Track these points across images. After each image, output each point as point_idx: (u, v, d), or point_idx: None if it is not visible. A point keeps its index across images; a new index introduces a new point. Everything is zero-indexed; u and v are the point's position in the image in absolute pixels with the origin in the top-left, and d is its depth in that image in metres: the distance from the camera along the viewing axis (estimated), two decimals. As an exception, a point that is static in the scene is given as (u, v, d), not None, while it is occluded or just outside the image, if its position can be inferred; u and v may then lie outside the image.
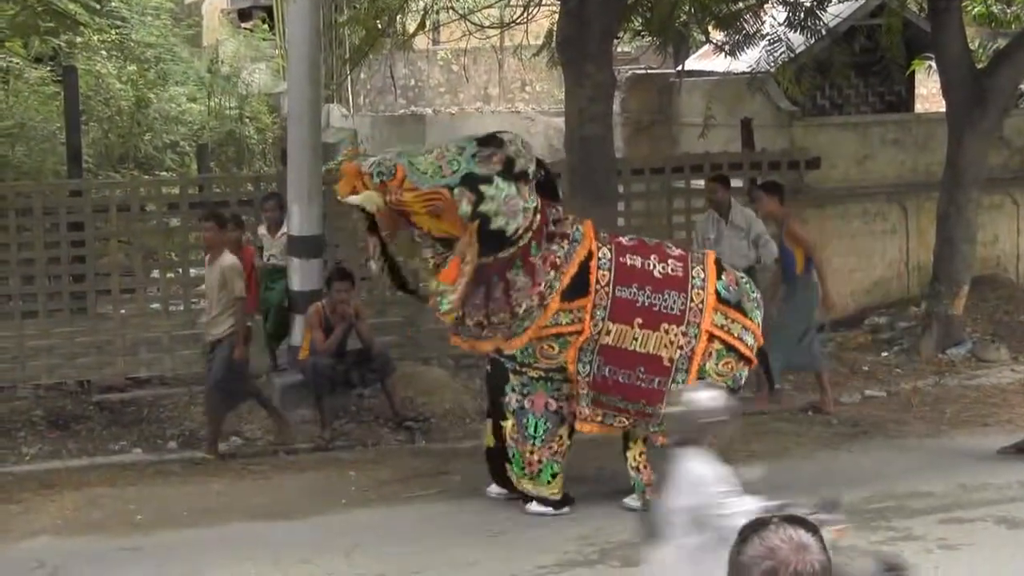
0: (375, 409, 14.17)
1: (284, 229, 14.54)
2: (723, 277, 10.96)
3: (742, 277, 11.33)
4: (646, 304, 10.70)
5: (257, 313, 14.93)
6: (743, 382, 11.22)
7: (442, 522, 10.97)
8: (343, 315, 13.50)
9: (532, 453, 10.87)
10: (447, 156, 10.46)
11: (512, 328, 10.63)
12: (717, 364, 10.79)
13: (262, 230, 14.88)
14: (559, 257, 10.63)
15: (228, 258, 13.02)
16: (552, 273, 10.58)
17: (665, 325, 10.68)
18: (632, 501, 10.99)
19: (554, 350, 10.70)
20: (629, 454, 11.04)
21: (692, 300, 10.73)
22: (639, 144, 20.85)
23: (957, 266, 16.15)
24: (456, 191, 10.31)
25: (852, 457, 12.61)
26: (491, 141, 10.61)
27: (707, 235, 14.36)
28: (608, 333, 10.63)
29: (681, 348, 10.68)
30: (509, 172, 10.44)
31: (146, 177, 22.57)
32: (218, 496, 11.93)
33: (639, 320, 10.66)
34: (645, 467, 10.89)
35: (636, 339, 10.66)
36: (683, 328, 10.68)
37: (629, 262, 10.80)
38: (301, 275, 14.26)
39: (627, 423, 10.86)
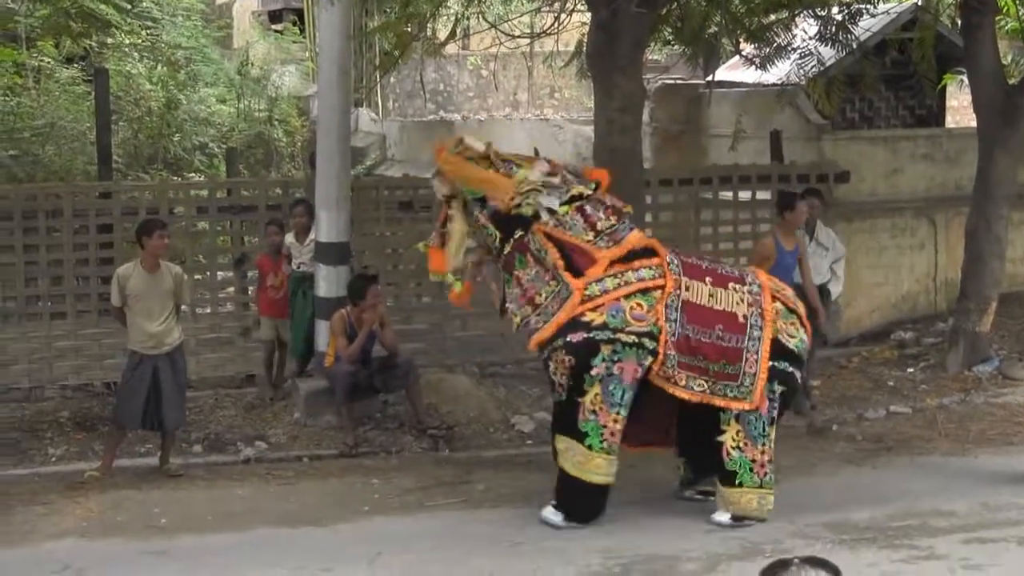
0: (399, 416, 14.18)
1: (312, 235, 14.56)
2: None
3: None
4: (707, 267, 11.20)
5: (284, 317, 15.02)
6: (806, 355, 11.40)
7: (464, 532, 10.97)
8: (367, 322, 13.52)
9: (616, 423, 10.79)
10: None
11: (544, 316, 10.90)
12: (785, 322, 11.04)
13: (290, 238, 14.88)
14: (599, 220, 11.10)
15: (175, 267, 12.98)
16: (591, 234, 11.03)
17: (731, 283, 11.04)
18: (720, 516, 10.99)
19: (643, 308, 10.77)
20: (725, 437, 10.94)
21: (742, 271, 11.37)
22: (668, 154, 20.84)
23: (985, 282, 16.10)
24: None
25: (876, 474, 12.59)
26: None
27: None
28: (687, 288, 10.87)
29: (751, 305, 10.93)
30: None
31: (175, 179, 22.71)
32: (242, 501, 11.96)
33: (709, 278, 11.01)
34: (746, 444, 10.90)
35: (712, 295, 10.92)
36: (747, 287, 11.04)
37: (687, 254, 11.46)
38: (328, 282, 14.29)
39: (706, 387, 10.82)
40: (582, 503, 11.02)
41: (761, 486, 10.94)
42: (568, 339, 10.80)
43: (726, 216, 17.00)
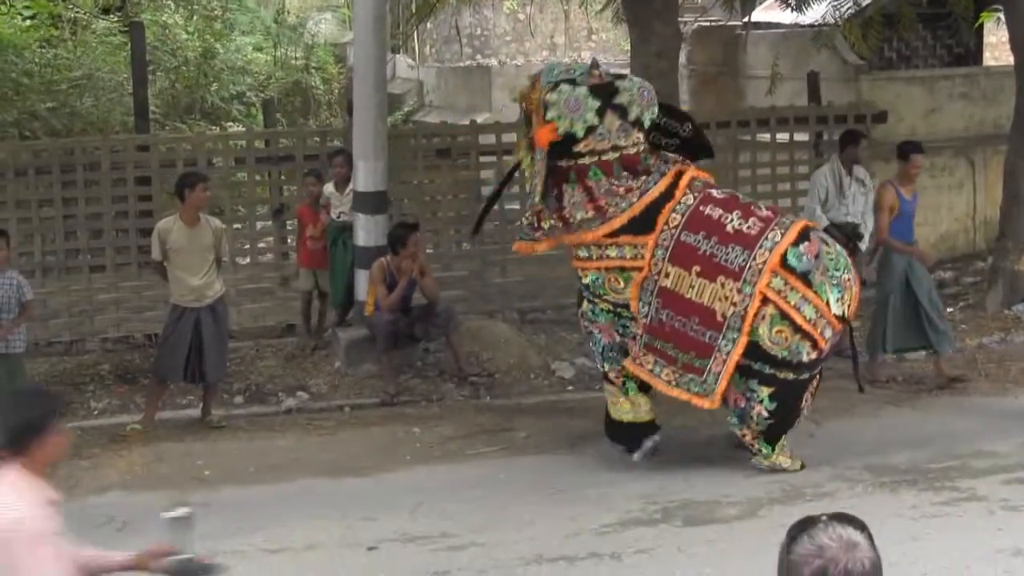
0: (439, 364, 14.22)
1: (352, 185, 14.58)
2: (800, 246, 10.55)
3: (829, 253, 10.73)
4: (707, 253, 10.62)
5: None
6: (805, 358, 10.58)
7: (505, 479, 11.05)
8: (406, 271, 13.53)
9: (609, 372, 11.06)
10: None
11: (568, 230, 11.01)
12: (770, 330, 10.45)
13: (329, 187, 14.89)
14: (624, 187, 10.83)
15: (215, 220, 13.04)
16: (618, 199, 10.80)
17: (722, 278, 10.54)
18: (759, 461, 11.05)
19: (620, 284, 10.82)
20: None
21: (755, 259, 10.49)
22: (705, 96, 20.78)
23: (1024, 221, 16.00)
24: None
25: (916, 415, 12.57)
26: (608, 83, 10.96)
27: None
28: (667, 275, 10.66)
29: (735, 305, 10.49)
30: (601, 92, 10.77)
31: (213, 129, 22.76)
32: (284, 452, 12.04)
33: (697, 268, 10.60)
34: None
35: (693, 286, 10.60)
36: (739, 285, 10.49)
37: (706, 212, 10.77)
38: (367, 231, 14.30)
39: (672, 377, 10.73)
40: (622, 435, 11.24)
41: (762, 454, 10.95)
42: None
43: (764, 158, 16.95)
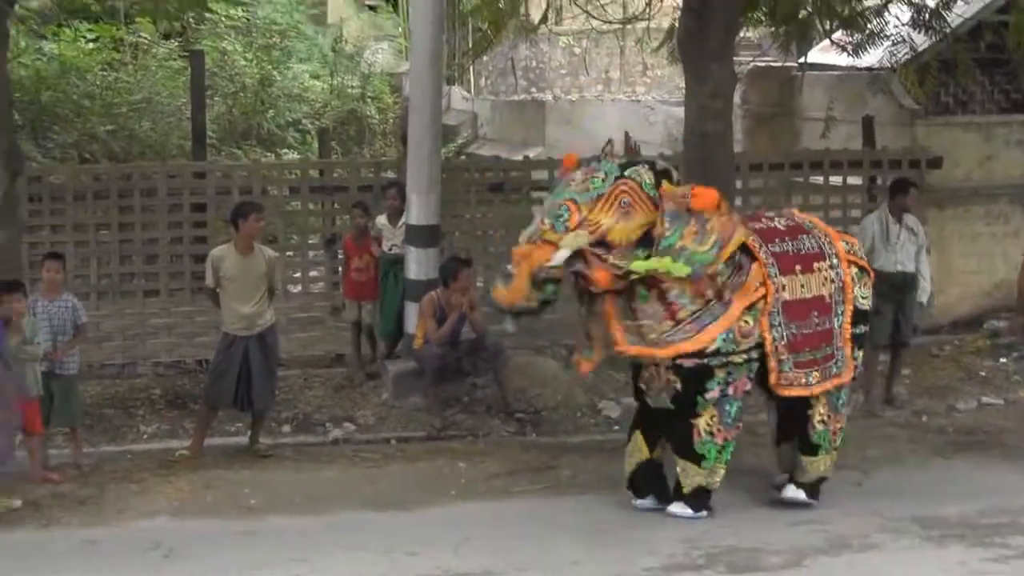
0: (487, 399, 14.23)
1: (404, 218, 14.64)
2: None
3: None
4: (794, 251, 10.99)
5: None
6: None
7: (548, 518, 11.00)
8: (456, 305, 13.57)
9: (731, 438, 10.89)
10: (596, 171, 10.42)
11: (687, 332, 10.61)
12: (862, 288, 11.22)
13: (382, 219, 14.96)
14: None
15: (268, 250, 13.08)
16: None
17: (816, 264, 11.01)
18: (793, 492, 11.16)
19: (749, 324, 10.72)
20: (812, 412, 11.05)
21: (820, 239, 11.16)
22: (759, 137, 20.74)
23: (1080, 272, 15.86)
24: (629, 170, 10.42)
25: (967, 468, 12.42)
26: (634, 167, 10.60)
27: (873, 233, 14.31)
28: (784, 288, 10.83)
29: (834, 282, 11.02)
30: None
31: (268, 156, 22.91)
32: (330, 483, 12.07)
33: (798, 267, 10.93)
34: (830, 417, 11.10)
35: (803, 285, 10.91)
36: (829, 262, 11.06)
37: (756, 225, 11.10)
38: (418, 264, 14.38)
39: (819, 376, 10.98)
40: (704, 500, 11.06)
41: (835, 449, 11.25)
42: (678, 363, 10.68)
43: (816, 201, 16.91)
